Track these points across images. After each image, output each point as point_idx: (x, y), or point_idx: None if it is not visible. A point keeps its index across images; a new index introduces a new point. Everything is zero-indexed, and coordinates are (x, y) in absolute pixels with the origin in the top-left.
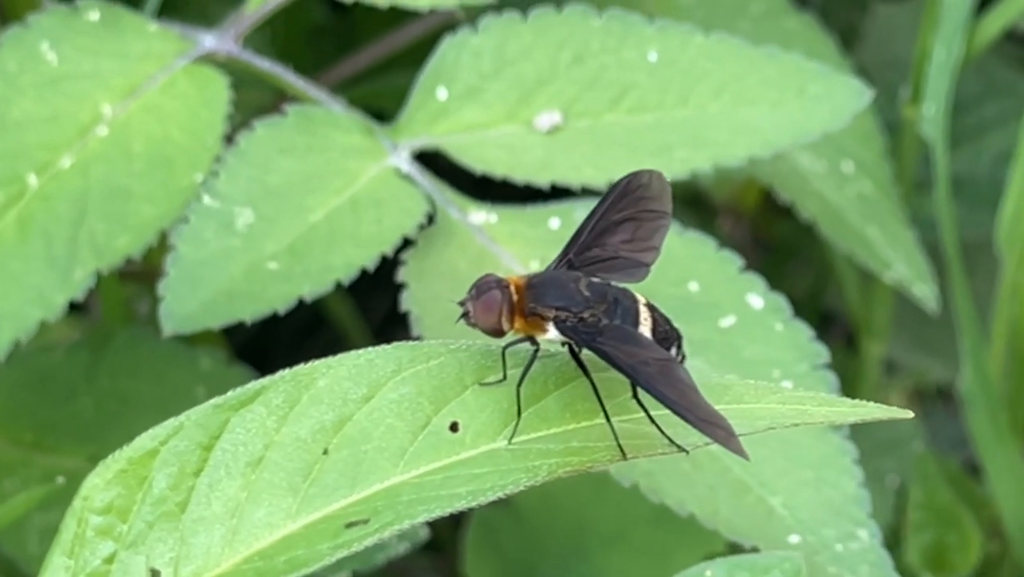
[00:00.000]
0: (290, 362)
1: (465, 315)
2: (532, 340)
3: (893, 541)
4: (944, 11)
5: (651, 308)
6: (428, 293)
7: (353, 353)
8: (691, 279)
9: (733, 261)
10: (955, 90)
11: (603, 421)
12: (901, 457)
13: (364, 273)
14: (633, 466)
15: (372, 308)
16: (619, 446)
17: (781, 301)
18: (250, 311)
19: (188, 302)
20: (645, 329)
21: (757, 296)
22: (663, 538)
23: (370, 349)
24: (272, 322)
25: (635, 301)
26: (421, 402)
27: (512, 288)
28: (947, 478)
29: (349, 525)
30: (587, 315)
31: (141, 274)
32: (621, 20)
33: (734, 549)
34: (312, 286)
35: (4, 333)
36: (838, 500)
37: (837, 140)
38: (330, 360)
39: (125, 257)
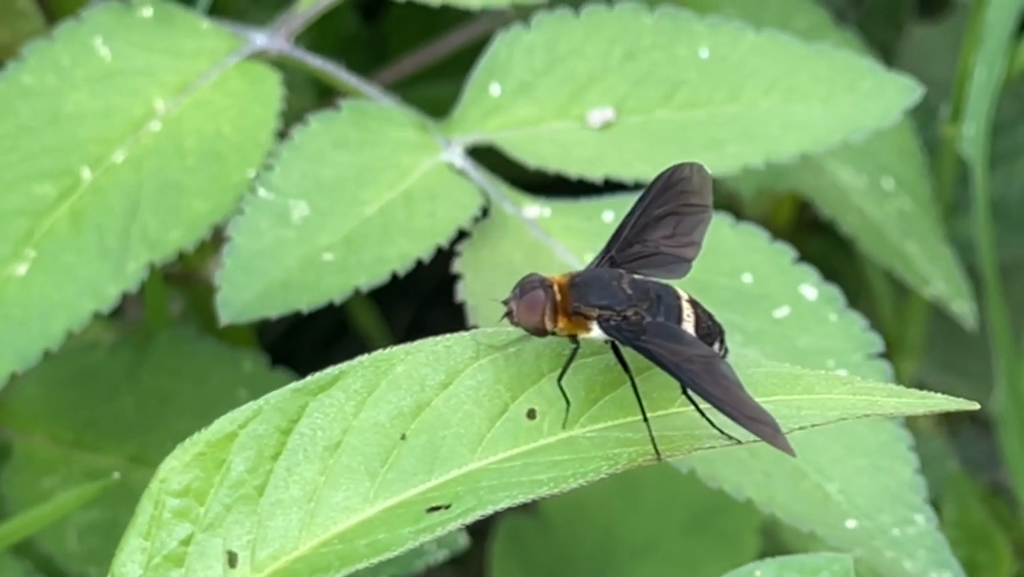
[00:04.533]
0: (313, 369)
1: (508, 314)
2: (573, 338)
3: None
4: (987, 32)
5: (693, 304)
6: (483, 284)
7: (431, 339)
8: (745, 270)
9: (786, 252)
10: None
11: (678, 410)
12: (930, 476)
13: (389, 282)
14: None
15: (396, 317)
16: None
17: (835, 292)
18: (305, 301)
19: (244, 292)
20: (688, 326)
21: (811, 287)
22: (692, 549)
23: (448, 336)
24: (296, 329)
25: (678, 298)
26: (499, 389)
27: (555, 288)
28: (977, 498)
29: (431, 510)
30: (631, 313)
31: (178, 276)
32: (672, 17)
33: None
34: (367, 277)
35: (57, 324)
36: (894, 486)
37: (877, 156)
38: (408, 346)
39: (177, 251)
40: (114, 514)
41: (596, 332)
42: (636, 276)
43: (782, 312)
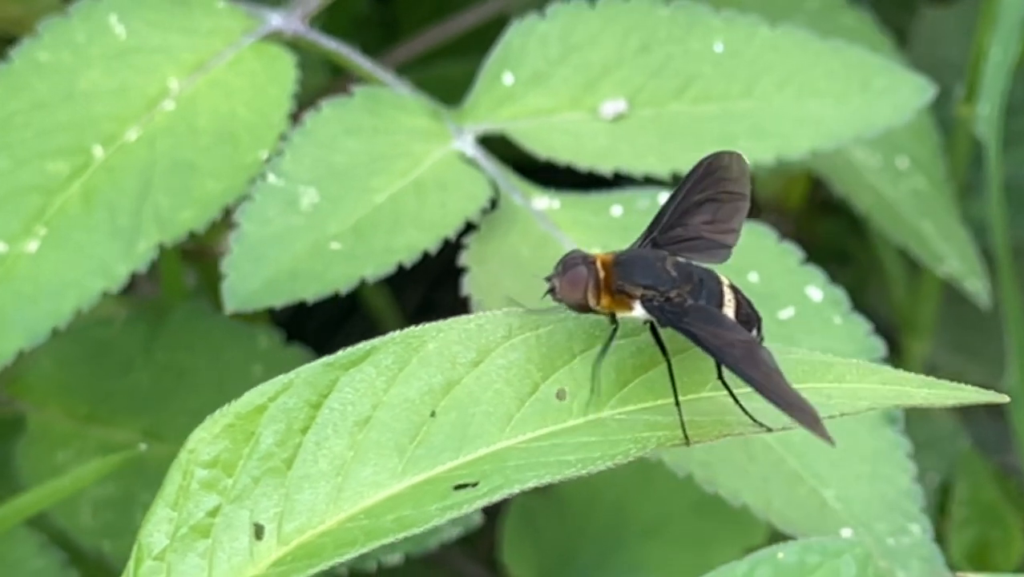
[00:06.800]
0: (322, 347)
1: (552, 290)
2: (612, 318)
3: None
4: (1002, 12)
5: (734, 290)
6: (489, 277)
7: (464, 318)
8: (751, 269)
9: (793, 253)
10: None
11: (709, 395)
12: (941, 456)
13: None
14: (688, 455)
15: (405, 296)
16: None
17: (840, 294)
18: (312, 290)
19: (251, 280)
20: (729, 311)
21: (816, 289)
22: (703, 529)
23: (480, 314)
24: (306, 307)
25: (719, 282)
26: (529, 369)
27: (598, 265)
28: (989, 477)
29: (457, 487)
30: (674, 295)
31: (193, 252)
32: (687, 10)
33: (775, 541)
34: (375, 267)
35: (67, 302)
36: (891, 494)
37: (892, 136)
38: (440, 324)
39: (189, 231)
40: (129, 489)
41: (638, 311)
42: (679, 259)
43: (787, 313)
